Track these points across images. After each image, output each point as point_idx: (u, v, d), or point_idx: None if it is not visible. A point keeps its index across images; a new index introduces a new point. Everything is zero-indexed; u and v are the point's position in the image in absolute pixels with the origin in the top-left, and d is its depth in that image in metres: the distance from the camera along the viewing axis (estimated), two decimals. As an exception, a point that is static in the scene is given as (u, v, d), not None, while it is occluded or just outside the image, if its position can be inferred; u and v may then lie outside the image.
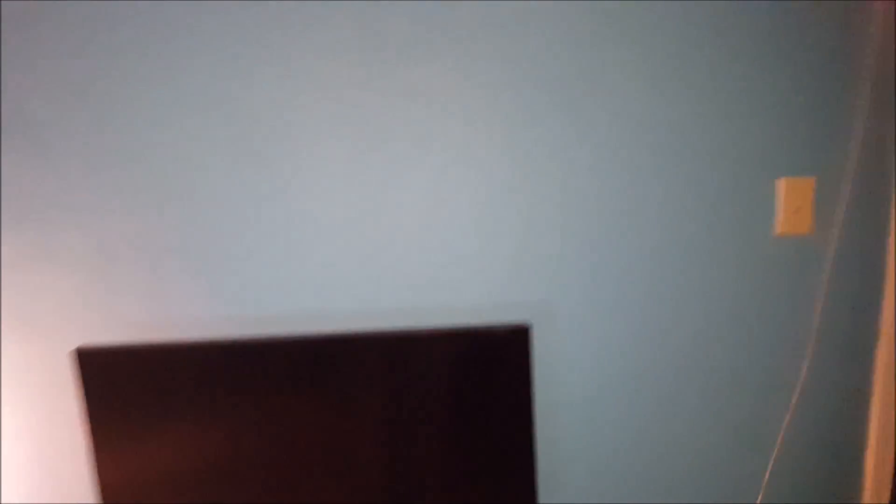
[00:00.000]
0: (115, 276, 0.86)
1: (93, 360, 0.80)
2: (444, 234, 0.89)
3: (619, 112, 0.88)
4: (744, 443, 0.99)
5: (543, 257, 0.91)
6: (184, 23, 0.80)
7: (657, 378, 0.96)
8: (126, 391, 0.81)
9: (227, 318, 0.88)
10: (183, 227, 0.85)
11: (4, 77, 0.79)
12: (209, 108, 0.83)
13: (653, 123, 0.88)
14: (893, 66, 0.90)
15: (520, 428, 0.86)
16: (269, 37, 0.81)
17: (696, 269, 0.93)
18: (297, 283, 0.88)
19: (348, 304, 0.89)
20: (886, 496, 1.01)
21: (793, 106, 0.89)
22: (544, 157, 0.88)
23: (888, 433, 0.99)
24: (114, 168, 0.83)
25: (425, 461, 0.86)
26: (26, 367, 0.87)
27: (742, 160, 0.90)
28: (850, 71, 0.89)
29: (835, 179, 0.92)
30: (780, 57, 0.88)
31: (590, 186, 0.90)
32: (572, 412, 0.96)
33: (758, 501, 1.01)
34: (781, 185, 0.91)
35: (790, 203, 0.92)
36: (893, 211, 0.94)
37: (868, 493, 1.02)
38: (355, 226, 0.87)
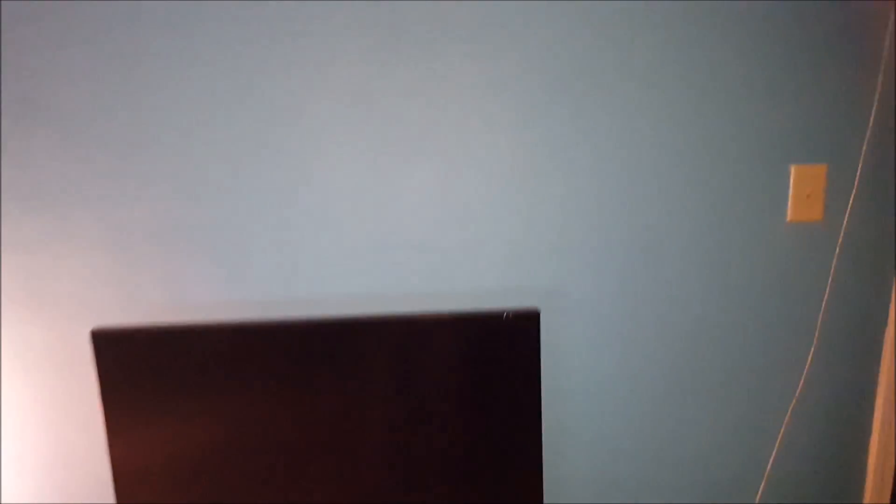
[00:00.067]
0: (132, 259, 0.87)
1: (109, 341, 0.81)
2: (452, 220, 0.89)
3: (633, 97, 0.88)
4: (751, 429, 1.00)
5: (552, 243, 0.91)
6: (205, 13, 0.81)
7: (665, 364, 0.97)
8: (141, 372, 0.82)
9: (241, 301, 0.89)
10: (200, 213, 0.86)
11: (33, 68, 0.81)
12: (226, 98, 0.83)
13: (667, 110, 0.88)
14: (907, 54, 0.89)
15: (527, 412, 0.87)
16: (285, 28, 0.82)
17: (708, 254, 0.94)
18: (310, 269, 0.89)
19: (358, 290, 0.91)
20: (887, 496, 1.01)
21: (805, 93, 0.89)
22: (554, 142, 0.88)
23: (891, 431, 1.00)
24: (133, 155, 0.84)
25: (433, 443, 0.87)
26: (46, 346, 0.88)
27: (755, 147, 0.91)
28: (863, 59, 0.89)
29: (846, 167, 0.92)
30: (793, 45, 0.88)
31: (599, 173, 0.90)
32: (578, 398, 0.97)
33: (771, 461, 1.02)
34: (792, 171, 0.91)
35: (801, 189, 0.92)
36: (904, 199, 0.94)
37: (869, 493, 1.03)
38: (366, 212, 0.88)
